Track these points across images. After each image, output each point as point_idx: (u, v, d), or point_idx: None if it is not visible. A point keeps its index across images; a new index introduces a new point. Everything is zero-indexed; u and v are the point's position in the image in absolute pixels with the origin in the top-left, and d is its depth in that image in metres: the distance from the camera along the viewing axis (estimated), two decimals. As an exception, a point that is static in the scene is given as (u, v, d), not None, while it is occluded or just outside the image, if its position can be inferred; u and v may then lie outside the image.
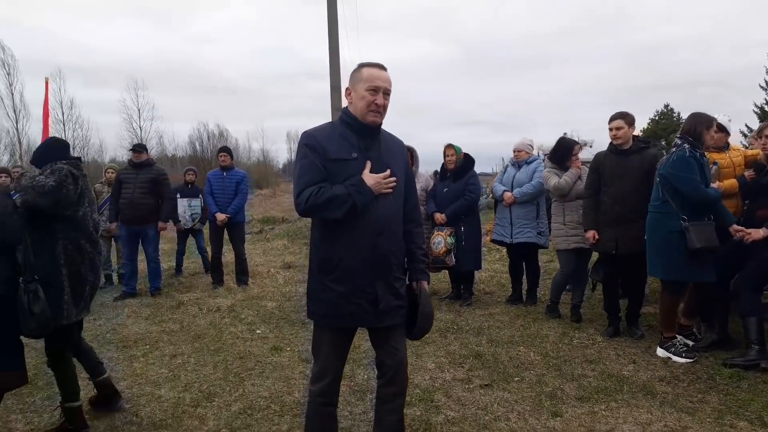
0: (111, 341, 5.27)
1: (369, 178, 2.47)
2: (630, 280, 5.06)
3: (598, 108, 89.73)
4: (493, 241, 6.51)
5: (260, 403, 3.72)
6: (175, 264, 9.00)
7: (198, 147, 51.70)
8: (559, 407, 3.55)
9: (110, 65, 77.52)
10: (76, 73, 76.15)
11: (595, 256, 5.53)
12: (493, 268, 8.39)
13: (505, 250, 7.15)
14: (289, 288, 7.44)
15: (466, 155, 6.39)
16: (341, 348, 2.64)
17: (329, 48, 14.36)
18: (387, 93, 2.53)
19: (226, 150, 7.91)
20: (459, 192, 6.21)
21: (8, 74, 36.17)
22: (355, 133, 2.54)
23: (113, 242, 8.08)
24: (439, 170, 6.89)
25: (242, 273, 7.69)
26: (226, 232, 7.60)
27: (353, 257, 2.49)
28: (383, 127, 2.64)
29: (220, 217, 7.40)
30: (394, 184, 2.54)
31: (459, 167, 6.30)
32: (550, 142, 6.99)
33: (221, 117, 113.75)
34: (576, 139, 6.63)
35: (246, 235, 8.31)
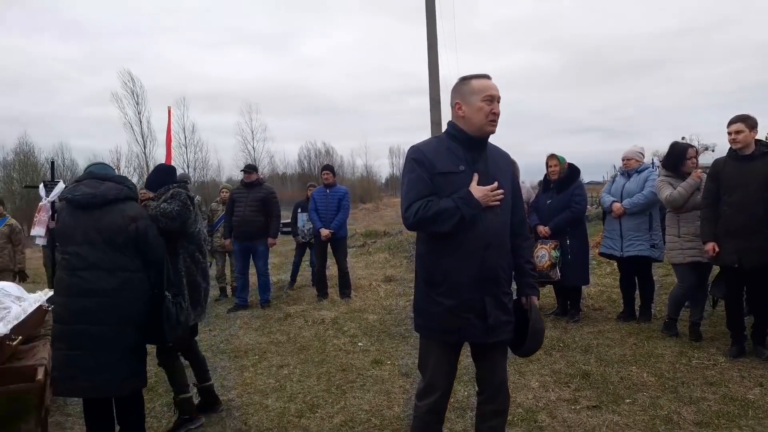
0: (224, 351, 5.59)
1: (477, 190, 2.45)
2: (756, 295, 4.61)
3: (719, 110, 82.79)
4: (601, 254, 6.21)
5: (361, 416, 3.78)
6: (290, 276, 9.36)
7: (306, 165, 54.05)
8: (675, 433, 3.30)
9: (226, 91, 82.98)
10: (196, 100, 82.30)
11: (716, 269, 5.11)
12: (602, 282, 7.98)
13: (615, 263, 6.79)
14: (390, 301, 7.52)
15: (571, 165, 6.16)
16: (449, 362, 2.61)
17: (428, 63, 14.43)
18: (499, 101, 2.53)
19: (328, 168, 8.19)
20: (563, 204, 6.00)
21: (137, 103, 39.92)
22: (461, 146, 2.53)
23: (227, 257, 8.59)
24: (540, 180, 6.69)
25: (345, 286, 7.89)
26: (329, 246, 7.86)
27: (461, 271, 2.47)
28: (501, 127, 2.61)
29: (324, 232, 7.65)
30: (502, 196, 2.50)
31: (563, 178, 6.09)
32: (666, 148, 6.58)
33: (327, 136, 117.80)
34: (694, 144, 6.18)
35: (348, 249, 8.52)
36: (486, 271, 2.47)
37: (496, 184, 2.48)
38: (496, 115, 2.49)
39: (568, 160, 6.17)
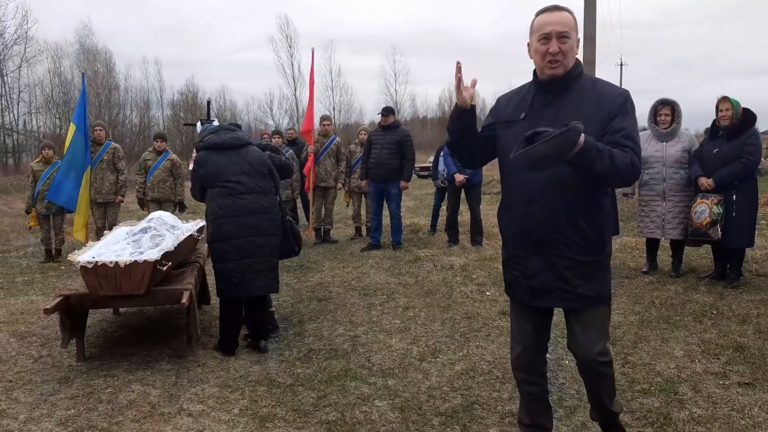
0: (355, 288, 5.76)
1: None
2: None
3: None
4: (772, 214, 5.44)
5: (483, 366, 3.69)
6: (431, 221, 9.31)
7: (446, 108, 53.33)
8: None
9: (370, 34, 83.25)
10: (341, 43, 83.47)
11: None
12: (771, 245, 7.05)
13: (789, 225, 5.92)
14: (525, 252, 7.22)
15: (746, 110, 5.36)
16: (521, 318, 2.46)
17: (585, -5, 13.26)
18: (562, 36, 2.17)
19: None
20: (733, 154, 5.26)
21: (290, 47, 41.70)
22: (537, 90, 2.30)
23: (363, 198, 8.78)
24: (708, 128, 5.92)
25: (477, 233, 7.73)
26: (463, 191, 7.72)
27: (509, 225, 2.39)
28: (600, 76, 2.32)
29: (459, 178, 7.51)
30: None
31: (735, 125, 5.33)
32: None
33: (469, 77, 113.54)
34: None
35: (483, 196, 8.32)
36: (531, 230, 2.25)
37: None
38: (553, 54, 2.16)
39: (743, 105, 5.38)
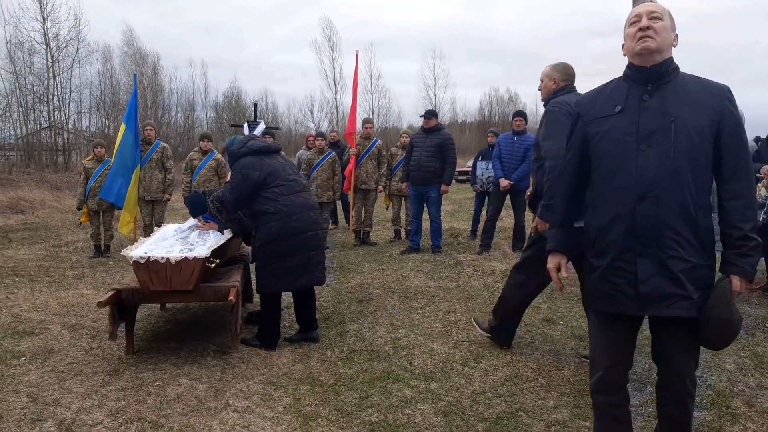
0: (395, 290, 5.75)
1: (549, 262, 2.38)
2: None
3: None
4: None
5: (527, 373, 3.64)
6: (471, 226, 9.20)
7: (486, 112, 52.96)
8: None
9: (405, 36, 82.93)
10: (377, 46, 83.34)
11: None
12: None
13: None
14: (567, 259, 7.09)
15: None
16: (607, 336, 2.22)
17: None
18: (653, 16, 2.10)
19: (521, 114, 7.81)
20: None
21: (332, 50, 42.12)
22: (631, 83, 2.15)
23: (403, 201, 8.77)
24: (757, 136, 5.74)
25: (519, 239, 7.63)
26: (509, 197, 7.63)
27: (610, 226, 2.11)
28: (693, 72, 2.14)
29: (504, 183, 7.41)
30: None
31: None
32: None
33: (511, 81, 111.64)
34: None
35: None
36: (641, 228, 2.03)
37: (562, 272, 2.34)
38: (643, 29, 2.08)
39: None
